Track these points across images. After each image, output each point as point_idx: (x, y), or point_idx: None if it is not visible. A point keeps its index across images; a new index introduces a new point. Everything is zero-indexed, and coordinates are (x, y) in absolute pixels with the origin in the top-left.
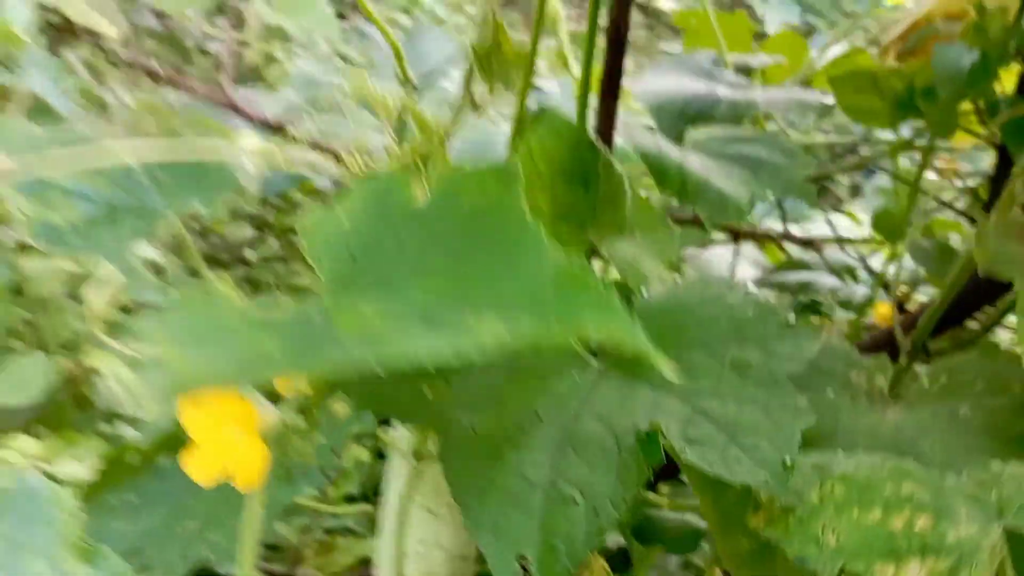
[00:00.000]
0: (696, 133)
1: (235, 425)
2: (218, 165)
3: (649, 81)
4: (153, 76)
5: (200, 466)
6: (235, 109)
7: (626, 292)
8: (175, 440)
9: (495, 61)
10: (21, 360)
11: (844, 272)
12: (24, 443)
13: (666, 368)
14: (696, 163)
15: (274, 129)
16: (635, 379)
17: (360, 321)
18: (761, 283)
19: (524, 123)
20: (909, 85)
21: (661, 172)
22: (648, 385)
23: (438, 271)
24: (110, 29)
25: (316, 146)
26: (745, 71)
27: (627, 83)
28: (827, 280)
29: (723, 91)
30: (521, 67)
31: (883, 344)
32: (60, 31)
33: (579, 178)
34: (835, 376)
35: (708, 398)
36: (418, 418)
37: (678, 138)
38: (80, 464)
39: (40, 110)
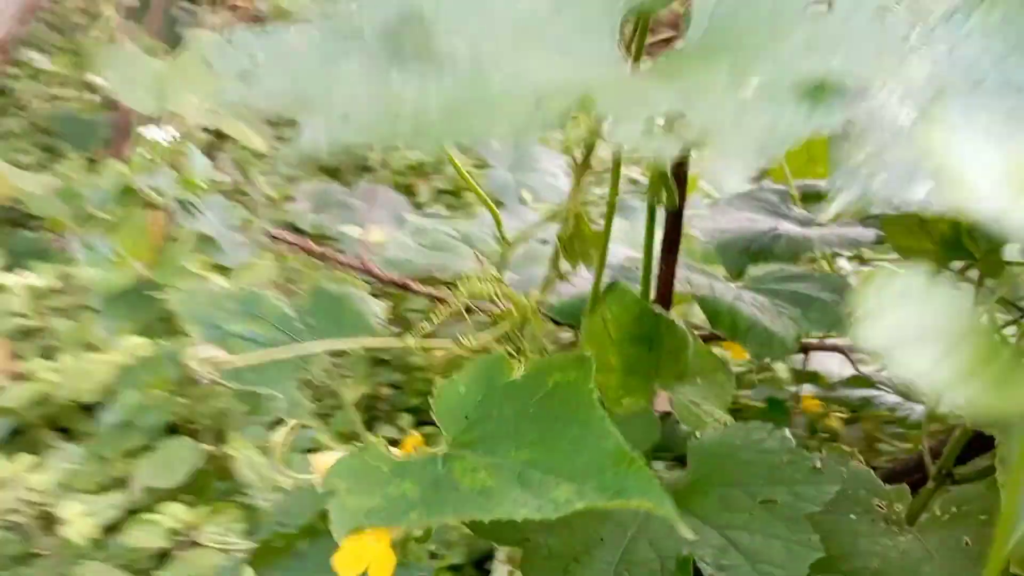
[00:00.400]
0: (755, 269)
1: (372, 533)
2: (357, 315)
3: (715, 219)
4: (309, 252)
5: (345, 563)
6: (368, 271)
7: (684, 433)
8: (311, 530)
9: (576, 242)
10: (171, 443)
11: (905, 390)
12: (175, 510)
13: (685, 531)
14: (748, 302)
15: (396, 284)
16: (683, 510)
17: (472, 475)
18: (825, 397)
19: (598, 296)
20: (955, 227)
21: (714, 313)
22: (693, 516)
23: (529, 440)
24: (257, 142)
25: (433, 298)
26: (816, 196)
27: (695, 219)
28: (888, 398)
29: (784, 227)
30: (598, 247)
31: (913, 468)
32: (215, 137)
33: (643, 339)
34: (859, 501)
35: (739, 531)
36: (508, 539)
37: (739, 275)
38: (222, 530)
39: (205, 239)
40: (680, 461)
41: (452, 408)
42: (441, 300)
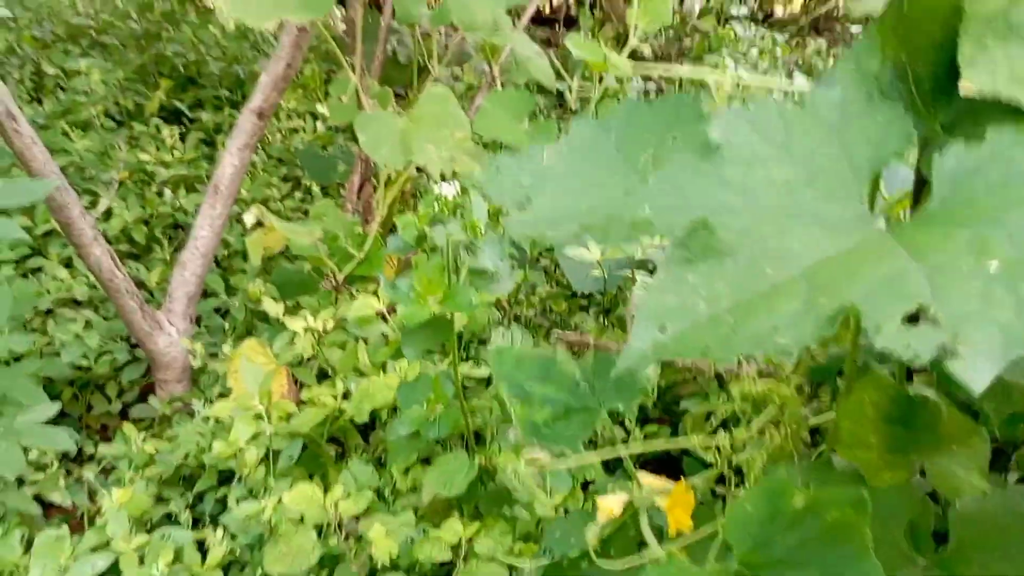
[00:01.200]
0: None
1: None
2: (632, 377)
3: None
4: (588, 346)
5: None
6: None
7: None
8: (586, 556)
9: None
10: (448, 457)
11: None
12: (455, 525)
13: None
14: None
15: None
16: None
17: None
18: None
19: (853, 377)
20: None
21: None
22: None
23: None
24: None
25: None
26: None
27: None
28: None
29: None
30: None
31: None
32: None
33: (900, 418)
34: None
35: None
36: None
37: None
38: (496, 544)
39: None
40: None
41: (740, 526)
42: (701, 372)
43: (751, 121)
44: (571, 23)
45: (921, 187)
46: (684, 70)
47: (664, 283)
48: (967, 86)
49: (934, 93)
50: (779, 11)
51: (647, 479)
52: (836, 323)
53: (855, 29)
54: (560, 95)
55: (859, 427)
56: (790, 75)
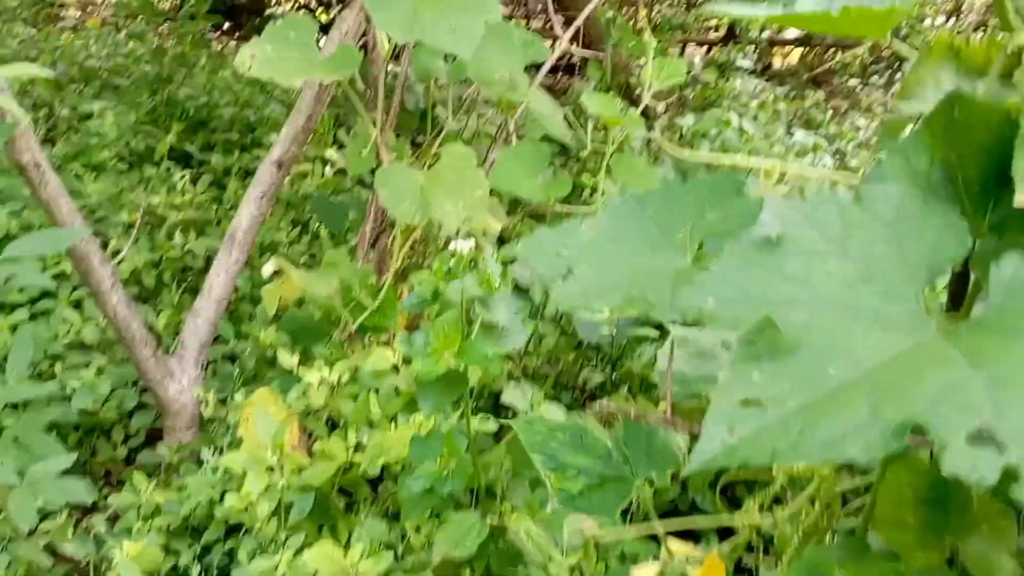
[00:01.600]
0: None
1: None
2: (664, 446)
3: None
4: (635, 416)
5: None
6: (671, 423)
7: None
8: None
9: None
10: (457, 517)
11: None
12: None
13: None
14: None
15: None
16: None
17: None
18: None
19: (890, 459)
20: None
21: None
22: None
23: None
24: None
25: None
26: None
27: None
28: None
29: None
30: None
31: None
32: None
33: (937, 499)
34: None
35: None
36: None
37: None
38: None
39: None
40: None
41: None
42: None
43: (808, 215)
44: (574, 70)
45: (962, 284)
46: (735, 158)
47: (731, 382)
48: (1021, 200)
49: (983, 195)
50: (777, 63)
51: (674, 545)
52: (903, 436)
53: (854, 82)
54: (563, 145)
55: (898, 508)
56: (790, 128)
